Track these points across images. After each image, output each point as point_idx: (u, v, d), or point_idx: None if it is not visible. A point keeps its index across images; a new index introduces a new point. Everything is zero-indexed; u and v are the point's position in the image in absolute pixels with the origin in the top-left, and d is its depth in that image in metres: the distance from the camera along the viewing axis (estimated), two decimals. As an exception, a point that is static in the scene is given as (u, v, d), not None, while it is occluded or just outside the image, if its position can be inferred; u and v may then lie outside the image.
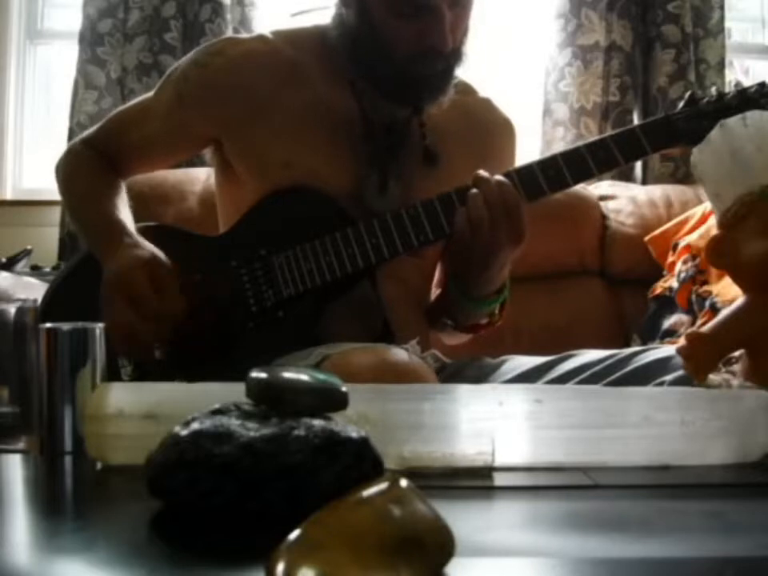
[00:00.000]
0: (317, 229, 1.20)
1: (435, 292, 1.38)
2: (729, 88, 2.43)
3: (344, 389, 0.62)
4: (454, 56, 1.21)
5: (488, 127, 1.36)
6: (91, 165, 1.34)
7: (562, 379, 1.16)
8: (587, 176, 1.18)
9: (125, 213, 1.27)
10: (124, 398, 0.72)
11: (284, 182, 1.23)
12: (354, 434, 0.57)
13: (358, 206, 1.24)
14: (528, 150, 2.14)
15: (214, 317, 1.21)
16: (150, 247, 1.18)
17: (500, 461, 0.69)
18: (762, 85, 1.15)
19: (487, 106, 1.37)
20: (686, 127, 1.15)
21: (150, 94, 1.35)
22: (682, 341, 0.83)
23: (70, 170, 1.36)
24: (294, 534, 0.43)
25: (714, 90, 1.19)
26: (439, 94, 1.24)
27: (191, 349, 1.21)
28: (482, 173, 1.15)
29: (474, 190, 1.14)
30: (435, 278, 1.40)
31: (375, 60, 1.21)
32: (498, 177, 1.15)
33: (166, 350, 1.17)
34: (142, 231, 1.25)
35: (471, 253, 1.16)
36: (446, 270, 1.31)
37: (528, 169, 1.18)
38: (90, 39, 2.41)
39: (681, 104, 1.19)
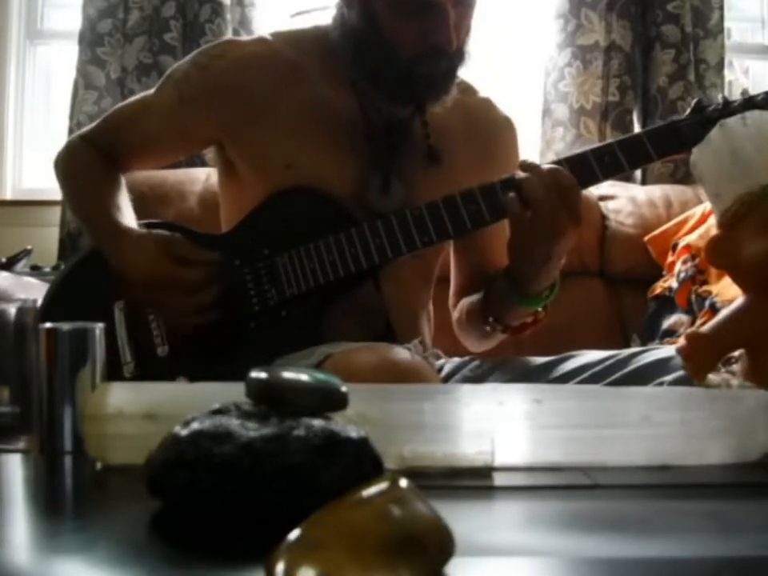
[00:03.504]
0: (320, 229, 1.20)
1: (465, 300, 1.35)
2: (728, 88, 2.43)
3: (344, 389, 0.62)
4: (458, 55, 1.21)
5: (489, 127, 1.36)
6: (91, 160, 1.34)
7: (562, 380, 1.16)
8: (592, 181, 1.18)
9: (126, 208, 1.28)
10: (124, 397, 0.72)
11: (286, 183, 1.24)
12: (353, 434, 0.57)
13: (361, 207, 1.24)
14: (528, 150, 2.13)
15: (217, 316, 1.21)
16: (151, 233, 1.22)
17: (500, 461, 0.69)
18: None
19: (488, 105, 1.38)
20: (691, 134, 1.15)
21: (150, 91, 1.35)
22: (681, 341, 0.83)
23: (69, 165, 1.36)
24: (294, 534, 0.43)
25: (720, 97, 1.19)
26: (442, 94, 1.24)
27: (193, 348, 1.21)
28: (529, 159, 1.14)
29: (528, 175, 1.12)
30: (452, 288, 1.39)
31: (379, 60, 1.21)
32: (549, 164, 1.14)
33: (168, 340, 1.22)
34: (146, 228, 1.25)
35: (533, 241, 1.13)
36: (484, 272, 1.29)
37: None
38: (90, 39, 2.42)
39: (687, 111, 1.18)
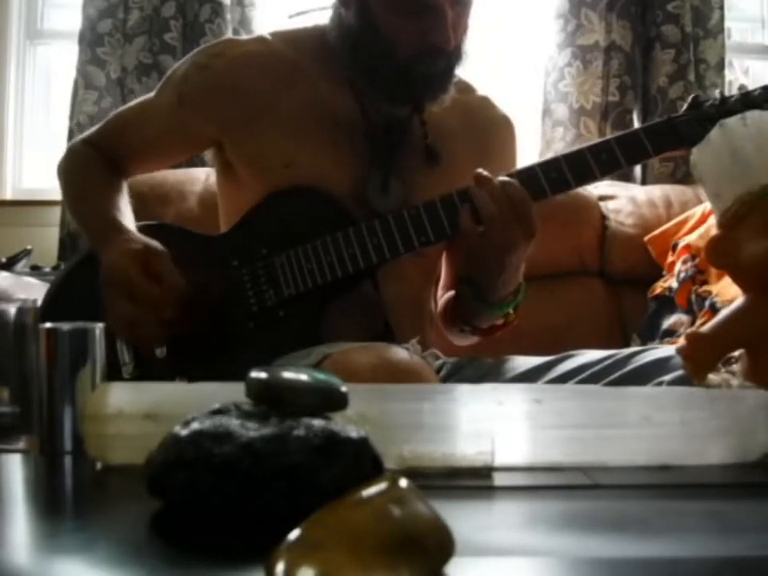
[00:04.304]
0: (318, 229, 1.21)
1: (444, 296, 1.36)
2: (728, 88, 2.43)
3: (344, 389, 0.62)
4: (455, 54, 1.22)
5: (487, 125, 1.36)
6: (93, 164, 1.34)
7: (562, 379, 1.16)
8: (589, 178, 1.18)
9: (125, 211, 1.28)
10: (124, 397, 0.72)
11: (285, 183, 1.24)
12: (353, 434, 0.57)
13: (361, 206, 1.24)
14: (527, 149, 2.13)
15: (215, 316, 1.21)
16: (143, 239, 1.19)
17: (500, 461, 0.69)
18: (765, 88, 1.15)
19: (486, 103, 1.38)
20: (688, 130, 1.15)
21: (151, 94, 1.36)
22: (681, 341, 0.83)
23: (71, 169, 1.36)
24: (294, 534, 0.43)
25: (717, 92, 1.19)
26: (441, 93, 1.24)
27: (192, 348, 1.21)
28: (483, 172, 1.15)
29: (478, 189, 1.14)
30: (441, 281, 1.39)
31: (377, 60, 1.21)
32: (501, 177, 1.15)
33: (167, 340, 1.18)
34: (145, 230, 1.25)
35: (485, 254, 1.15)
36: (455, 275, 1.30)
37: (530, 170, 1.18)
38: (90, 39, 2.41)
39: (684, 107, 1.18)
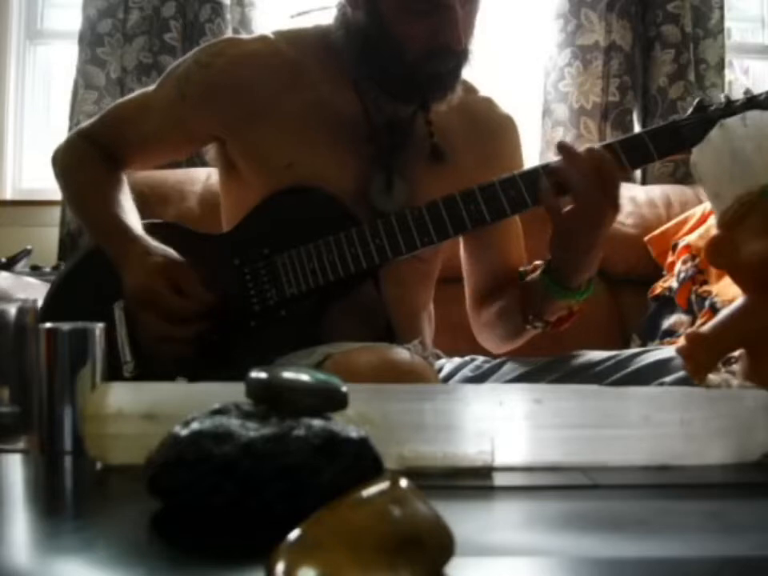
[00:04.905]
0: (320, 229, 1.20)
1: (498, 301, 1.33)
2: (728, 88, 2.42)
3: (344, 389, 0.62)
4: (463, 54, 1.22)
5: (491, 125, 1.36)
6: (91, 158, 1.34)
7: (563, 380, 1.16)
8: None
9: (129, 207, 1.28)
10: (124, 397, 0.72)
11: (287, 182, 1.23)
12: (353, 434, 0.57)
13: (364, 206, 1.23)
14: (528, 150, 2.13)
15: (217, 315, 1.21)
16: (162, 250, 1.20)
17: (500, 461, 0.69)
18: None
19: (489, 104, 1.38)
20: (692, 134, 1.15)
21: (150, 88, 1.35)
22: (681, 341, 0.83)
23: (69, 161, 1.36)
24: (294, 534, 0.43)
25: (722, 96, 1.19)
26: (449, 92, 1.24)
27: (193, 347, 1.21)
28: (566, 143, 1.13)
29: (566, 161, 1.11)
30: (472, 289, 1.37)
31: (386, 59, 1.21)
32: (587, 146, 1.14)
33: (204, 343, 1.20)
34: (147, 228, 1.25)
35: (577, 229, 1.13)
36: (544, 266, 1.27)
37: (533, 173, 1.17)
38: (90, 39, 2.42)
39: (689, 110, 1.18)
